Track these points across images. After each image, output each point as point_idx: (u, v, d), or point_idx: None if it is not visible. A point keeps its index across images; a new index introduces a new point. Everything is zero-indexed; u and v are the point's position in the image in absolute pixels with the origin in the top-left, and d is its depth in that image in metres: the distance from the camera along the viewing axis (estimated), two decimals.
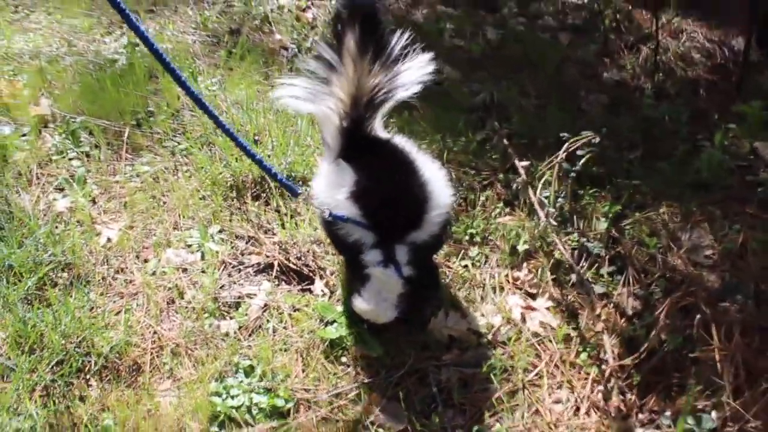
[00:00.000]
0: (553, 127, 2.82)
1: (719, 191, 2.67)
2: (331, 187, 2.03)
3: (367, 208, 1.96)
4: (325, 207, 2.00)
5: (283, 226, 2.56)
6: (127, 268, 2.43)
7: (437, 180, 2.04)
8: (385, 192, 1.98)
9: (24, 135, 2.93)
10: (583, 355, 2.17)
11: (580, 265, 2.37)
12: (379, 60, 2.03)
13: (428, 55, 2.09)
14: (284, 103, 2.14)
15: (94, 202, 2.67)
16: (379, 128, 2.14)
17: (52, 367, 2.12)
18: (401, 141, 2.14)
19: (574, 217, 2.49)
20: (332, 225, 2.04)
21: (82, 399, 2.07)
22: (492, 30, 3.79)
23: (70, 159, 2.84)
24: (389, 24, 2.13)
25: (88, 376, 2.13)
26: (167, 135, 2.93)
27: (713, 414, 1.92)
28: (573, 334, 2.23)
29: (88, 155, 2.83)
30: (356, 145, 2.07)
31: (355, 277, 2.08)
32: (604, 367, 2.11)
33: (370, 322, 2.10)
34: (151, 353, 2.19)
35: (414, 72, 2.08)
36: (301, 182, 2.68)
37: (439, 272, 2.37)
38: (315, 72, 2.09)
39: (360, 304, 2.05)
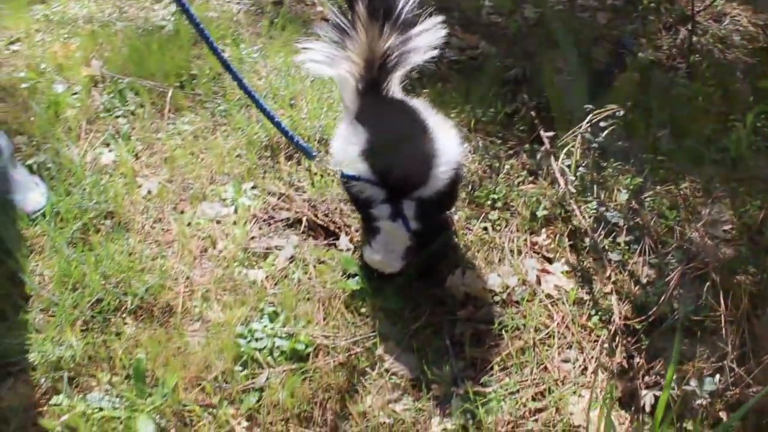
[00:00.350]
0: (583, 102, 2.86)
1: (745, 170, 2.68)
2: (346, 146, 2.14)
3: (376, 164, 2.06)
4: (338, 166, 2.11)
5: (313, 184, 2.67)
6: (164, 218, 2.57)
7: (446, 138, 2.12)
8: (394, 149, 2.07)
9: (75, 93, 3.11)
10: (595, 318, 2.23)
11: (598, 232, 2.42)
12: (389, 24, 2.13)
13: (439, 18, 2.18)
14: (307, 67, 2.25)
15: (136, 156, 2.82)
16: (396, 91, 2.23)
17: (92, 305, 2.28)
18: (415, 102, 2.23)
19: (595, 186, 2.54)
20: (347, 182, 2.16)
21: (118, 335, 2.23)
22: (530, 8, 3.82)
23: (116, 116, 3.00)
24: None
25: (124, 315, 2.29)
26: (208, 97, 3.07)
27: (717, 378, 1.97)
28: (586, 297, 2.30)
29: (133, 113, 2.99)
30: (371, 106, 2.17)
31: (367, 230, 2.19)
32: (611, 326, 2.17)
33: (379, 271, 2.21)
34: (183, 296, 2.33)
35: (425, 36, 2.17)
36: None
37: (451, 230, 2.45)
38: (331, 37, 2.20)
39: (369, 254, 2.17)
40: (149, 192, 2.65)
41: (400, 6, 2.18)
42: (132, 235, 2.49)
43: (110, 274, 2.34)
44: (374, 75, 2.20)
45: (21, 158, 2.70)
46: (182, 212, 2.59)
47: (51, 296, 2.28)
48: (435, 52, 2.20)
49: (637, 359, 2.12)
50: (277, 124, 2.12)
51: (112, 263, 2.36)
